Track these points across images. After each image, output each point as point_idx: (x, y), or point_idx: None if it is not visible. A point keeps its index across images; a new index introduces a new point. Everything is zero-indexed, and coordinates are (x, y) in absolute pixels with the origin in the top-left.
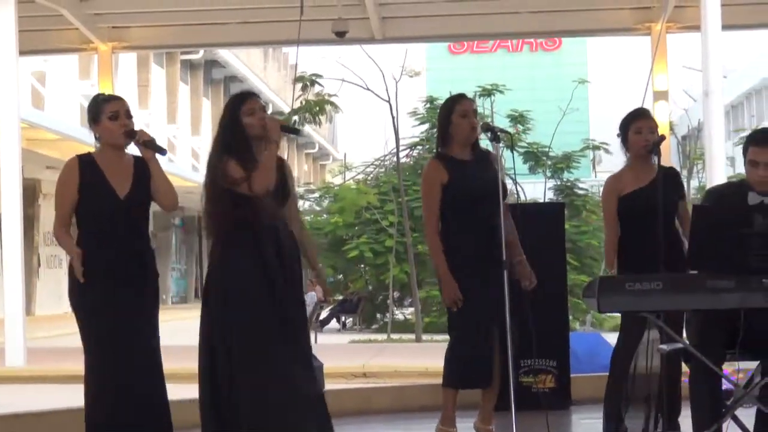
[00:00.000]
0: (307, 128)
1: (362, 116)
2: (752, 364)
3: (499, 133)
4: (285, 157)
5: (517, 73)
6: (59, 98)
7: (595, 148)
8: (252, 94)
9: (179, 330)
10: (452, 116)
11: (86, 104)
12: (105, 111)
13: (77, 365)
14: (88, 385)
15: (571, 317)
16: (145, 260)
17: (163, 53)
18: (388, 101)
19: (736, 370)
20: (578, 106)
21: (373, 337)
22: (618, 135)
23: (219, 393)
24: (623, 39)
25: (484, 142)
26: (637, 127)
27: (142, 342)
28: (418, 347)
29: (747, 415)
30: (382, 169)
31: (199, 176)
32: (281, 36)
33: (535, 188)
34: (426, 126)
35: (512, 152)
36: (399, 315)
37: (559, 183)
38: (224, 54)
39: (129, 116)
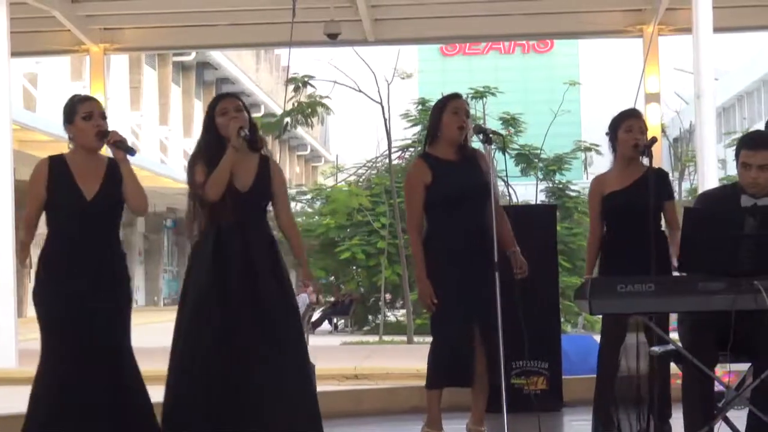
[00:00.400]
0: (300, 130)
1: (354, 118)
2: (744, 366)
3: (491, 135)
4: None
5: (508, 75)
6: (51, 100)
7: (587, 149)
8: (229, 95)
9: (170, 332)
10: (444, 113)
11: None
12: (79, 111)
13: None
14: (36, 384)
15: (563, 319)
16: (113, 262)
17: (155, 55)
18: (380, 103)
19: (728, 372)
20: (570, 108)
21: (365, 338)
22: (607, 134)
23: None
24: (615, 41)
25: (476, 145)
26: (628, 125)
27: (105, 344)
28: (410, 349)
29: (738, 417)
30: (374, 171)
31: None
32: (273, 38)
33: (526, 190)
34: (418, 128)
35: (504, 154)
36: (391, 317)
37: (550, 185)
38: (216, 56)
39: (103, 117)
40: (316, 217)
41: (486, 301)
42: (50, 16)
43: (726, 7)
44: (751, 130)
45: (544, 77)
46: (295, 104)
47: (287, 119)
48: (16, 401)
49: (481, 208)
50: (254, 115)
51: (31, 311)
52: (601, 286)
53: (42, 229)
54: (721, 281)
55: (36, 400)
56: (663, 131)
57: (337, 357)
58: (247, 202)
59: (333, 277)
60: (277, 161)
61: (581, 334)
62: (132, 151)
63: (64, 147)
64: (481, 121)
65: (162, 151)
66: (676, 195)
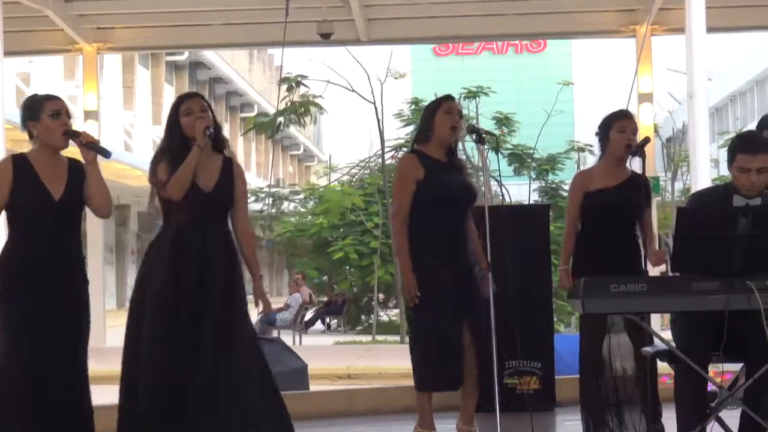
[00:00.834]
0: (293, 130)
1: (347, 118)
2: (736, 366)
3: (484, 135)
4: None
5: (502, 75)
6: None
7: (580, 149)
8: (194, 95)
9: None
10: (436, 113)
11: (72, 105)
12: (46, 109)
13: None
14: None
15: (555, 319)
16: (76, 264)
17: (148, 54)
18: (374, 103)
19: (721, 372)
20: (563, 108)
21: (357, 338)
22: (596, 134)
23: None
24: (608, 41)
25: (470, 145)
26: (621, 126)
27: (69, 344)
28: (403, 348)
29: (731, 417)
30: (367, 171)
31: None
32: (267, 37)
33: (519, 190)
34: (411, 128)
35: (497, 154)
36: (384, 316)
37: (543, 185)
38: (209, 55)
39: (69, 116)
40: (309, 216)
41: (474, 301)
42: (43, 16)
43: (719, 7)
44: (744, 130)
45: (538, 77)
46: (288, 104)
47: (280, 119)
48: None
49: (466, 213)
50: (247, 114)
51: None
52: (594, 285)
53: None
54: (714, 281)
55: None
56: (656, 131)
57: (329, 357)
58: (210, 203)
59: (326, 277)
60: (240, 163)
61: (574, 334)
62: (107, 153)
63: None
64: (474, 121)
65: (155, 150)
66: (668, 195)
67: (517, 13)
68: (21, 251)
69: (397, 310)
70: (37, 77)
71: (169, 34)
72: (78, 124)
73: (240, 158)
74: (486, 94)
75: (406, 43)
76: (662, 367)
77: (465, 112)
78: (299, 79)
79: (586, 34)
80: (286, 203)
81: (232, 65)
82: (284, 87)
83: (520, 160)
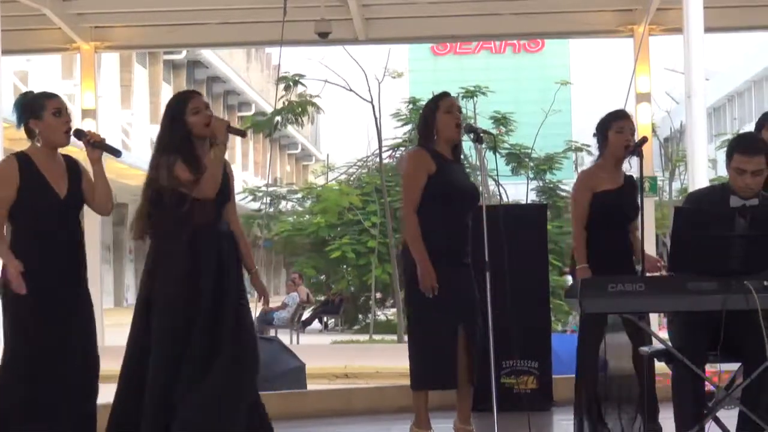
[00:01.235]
0: (290, 129)
1: (345, 117)
2: (734, 366)
3: (481, 135)
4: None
5: (499, 75)
6: None
7: (578, 149)
8: (197, 94)
9: None
10: (437, 113)
11: (70, 104)
12: (48, 107)
13: None
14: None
15: (553, 318)
16: (82, 260)
17: (146, 53)
18: (371, 102)
19: (718, 372)
20: (561, 107)
21: (355, 337)
22: (594, 135)
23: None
24: (606, 41)
25: (467, 144)
26: (619, 126)
27: (75, 343)
28: (400, 348)
29: (729, 416)
30: (365, 170)
31: None
32: (264, 36)
33: (517, 189)
34: (409, 127)
35: (495, 154)
36: (381, 316)
37: (541, 184)
38: (207, 54)
39: (69, 115)
40: (307, 216)
41: (471, 301)
42: (41, 14)
43: (717, 7)
44: (742, 131)
45: (535, 77)
46: (286, 103)
47: (278, 118)
48: None
49: (469, 212)
50: (245, 113)
51: None
52: (592, 285)
53: None
54: (712, 281)
55: (5, 393)
56: (653, 131)
57: (327, 356)
58: (216, 203)
59: (323, 276)
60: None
61: (571, 334)
62: (118, 152)
63: None
64: (472, 121)
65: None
66: (666, 195)
67: (514, 13)
68: (29, 250)
69: (395, 310)
70: (35, 76)
71: (166, 33)
72: (76, 122)
73: (237, 157)
74: (484, 93)
75: (403, 42)
76: (662, 366)
77: (463, 111)
78: (297, 78)
79: (584, 34)
80: (283, 202)
81: (230, 64)
82: (282, 86)
83: (517, 159)
